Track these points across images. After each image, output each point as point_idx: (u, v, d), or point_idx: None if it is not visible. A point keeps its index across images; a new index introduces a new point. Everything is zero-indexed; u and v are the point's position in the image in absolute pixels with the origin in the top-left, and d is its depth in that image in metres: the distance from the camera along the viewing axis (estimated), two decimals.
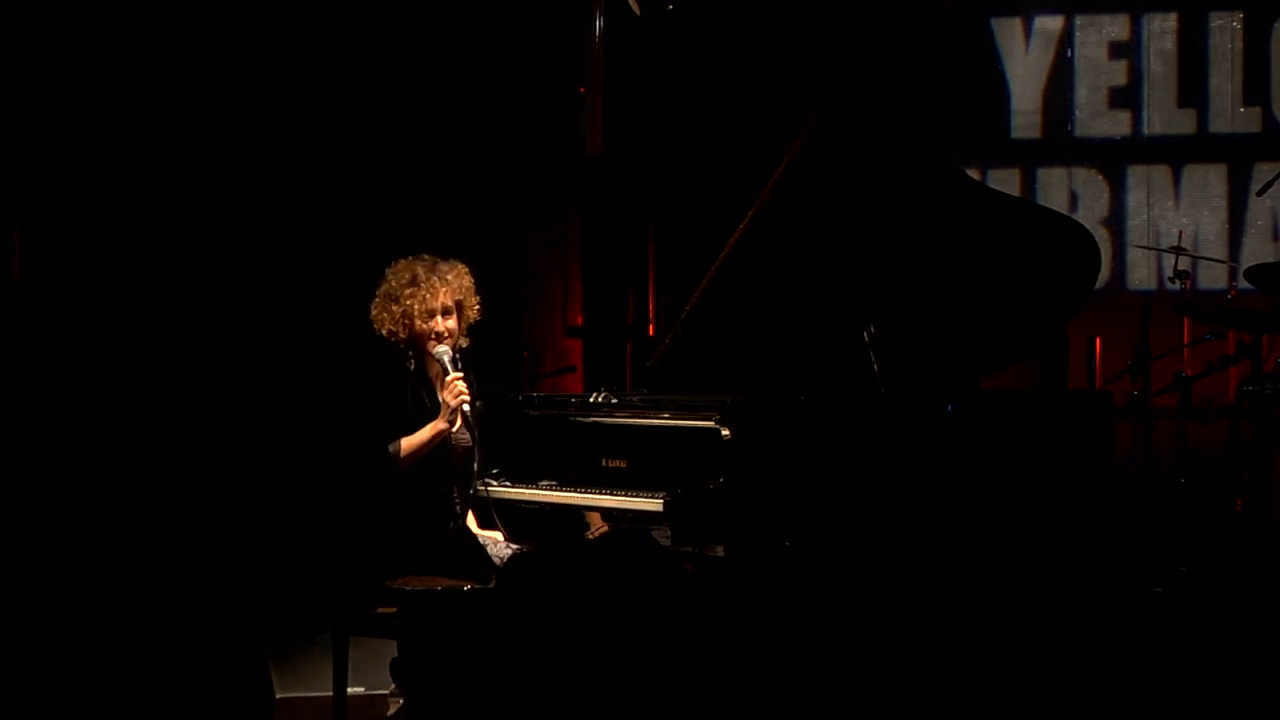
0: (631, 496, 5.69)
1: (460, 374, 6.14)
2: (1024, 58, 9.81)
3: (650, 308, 9.51)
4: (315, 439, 7.38)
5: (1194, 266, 8.92)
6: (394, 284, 6.23)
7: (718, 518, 5.49)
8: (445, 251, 6.37)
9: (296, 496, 7.63)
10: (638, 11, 9.03)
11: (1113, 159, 9.79)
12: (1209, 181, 9.70)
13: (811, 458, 5.54)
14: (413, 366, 6.27)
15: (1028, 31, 9.81)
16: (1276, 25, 9.59)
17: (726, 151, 8.94)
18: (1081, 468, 6.10)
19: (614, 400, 6.03)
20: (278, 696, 6.48)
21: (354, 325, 6.38)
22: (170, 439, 8.10)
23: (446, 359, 6.18)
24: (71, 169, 8.03)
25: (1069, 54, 9.80)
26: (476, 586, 5.70)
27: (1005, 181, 9.70)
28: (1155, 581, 7.52)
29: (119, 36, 8.07)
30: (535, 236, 9.38)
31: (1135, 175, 9.76)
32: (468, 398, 6.10)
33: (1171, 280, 8.75)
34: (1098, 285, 6.31)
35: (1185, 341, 8.99)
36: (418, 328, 6.19)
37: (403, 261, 6.30)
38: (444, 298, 6.21)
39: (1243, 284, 8.52)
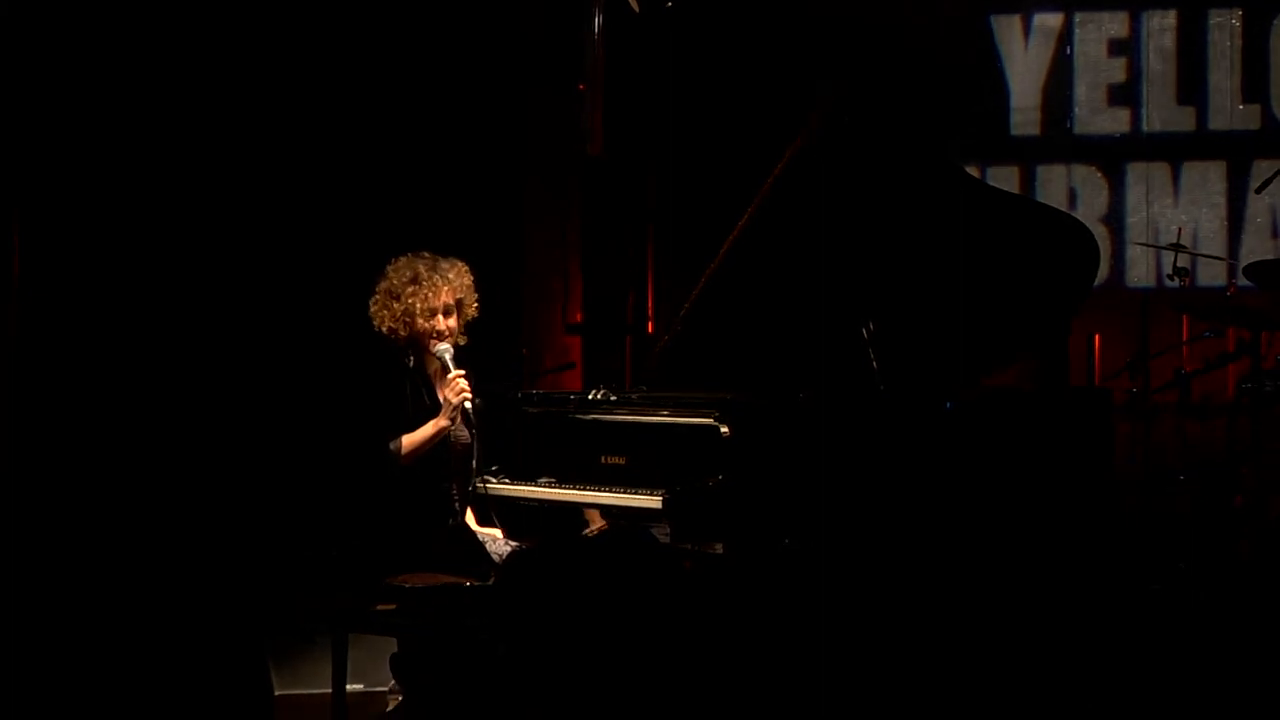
0: (630, 494, 5.69)
1: (461, 372, 6.15)
2: (1023, 55, 9.82)
3: (649, 305, 9.51)
4: (315, 436, 7.38)
5: (1193, 264, 8.93)
6: (395, 281, 6.24)
7: (717, 515, 5.49)
8: (445, 249, 6.37)
9: (296, 493, 7.62)
10: (637, 9, 9.03)
11: (1112, 156, 9.80)
12: (1208, 179, 9.71)
13: (811, 455, 5.54)
14: (411, 364, 6.27)
15: (1027, 29, 9.81)
16: (1275, 22, 9.60)
17: (726, 149, 8.95)
18: (1081, 465, 6.09)
19: (613, 397, 6.03)
20: (277, 694, 6.49)
21: (353, 323, 6.38)
22: (170, 437, 8.10)
23: (447, 356, 6.18)
24: (71, 169, 8.03)
25: (1068, 51, 9.81)
26: (476, 583, 5.71)
27: (1004, 179, 9.70)
28: (1154, 580, 7.53)
29: (119, 36, 8.06)
30: (535, 234, 9.38)
31: (1134, 172, 9.76)
32: (469, 395, 6.11)
33: (1170, 277, 8.75)
34: (1097, 282, 6.31)
35: (1184, 339, 9.00)
36: (419, 326, 6.20)
37: (404, 259, 6.30)
38: (445, 296, 6.22)
39: (1242, 281, 8.52)
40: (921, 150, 6.18)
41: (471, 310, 6.33)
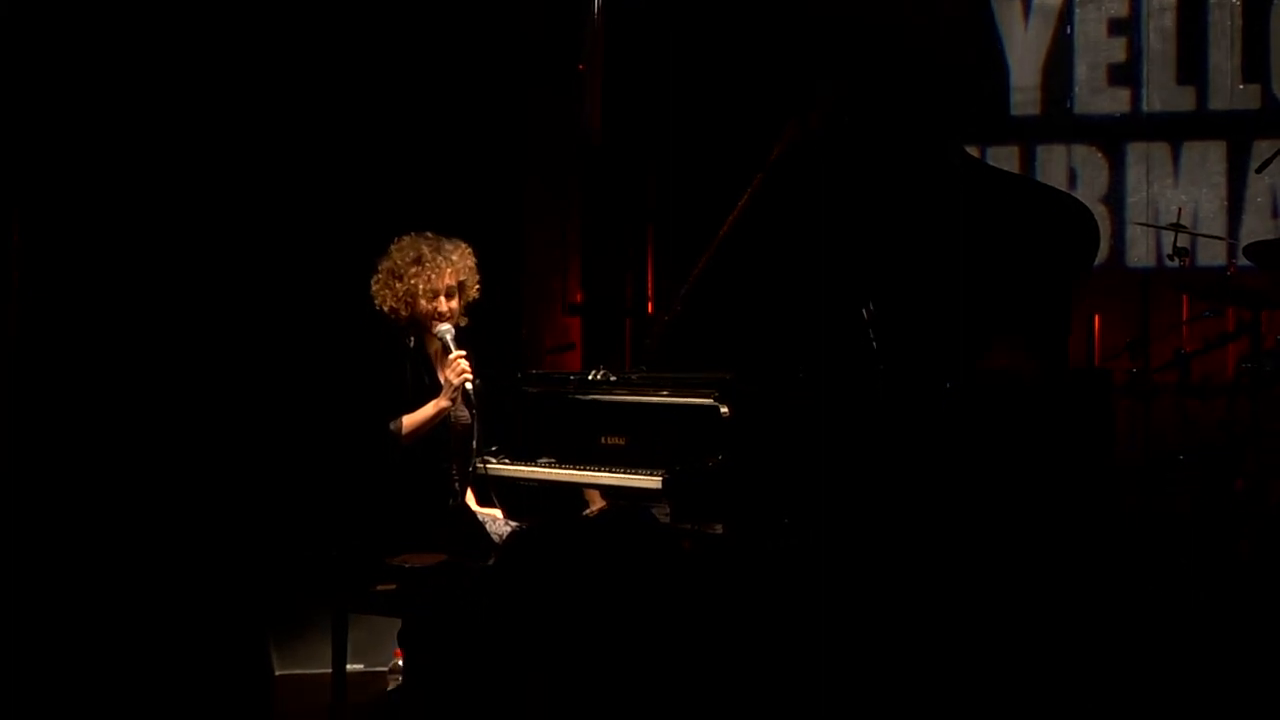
0: (630, 474, 5.70)
1: (463, 353, 6.15)
2: (1023, 35, 9.80)
3: (649, 286, 9.51)
4: (315, 417, 7.38)
5: (1193, 244, 8.92)
6: (398, 261, 6.23)
7: (717, 495, 5.50)
8: (445, 229, 6.37)
9: (296, 475, 7.63)
10: None
11: (1112, 136, 9.78)
12: (1208, 158, 9.69)
13: (810, 435, 5.54)
14: (412, 344, 6.27)
15: (1027, 8, 9.79)
16: (1276, 2, 9.57)
17: (727, 130, 8.93)
18: (1081, 445, 6.10)
19: (613, 378, 6.03)
20: (277, 673, 6.50)
21: (354, 303, 6.38)
22: (173, 419, 8.10)
23: (449, 337, 6.18)
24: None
25: (1068, 31, 9.79)
26: (475, 563, 5.71)
27: (1004, 159, 9.69)
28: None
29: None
30: (534, 215, 9.37)
31: (1134, 152, 9.75)
32: (470, 376, 6.11)
33: (1170, 258, 8.74)
34: (1097, 262, 6.31)
35: (1184, 319, 8.99)
36: (421, 307, 6.19)
37: (407, 239, 6.30)
38: (448, 278, 6.22)
39: (1242, 261, 8.51)
40: (922, 130, 6.18)
41: (473, 292, 6.33)
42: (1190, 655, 6.10)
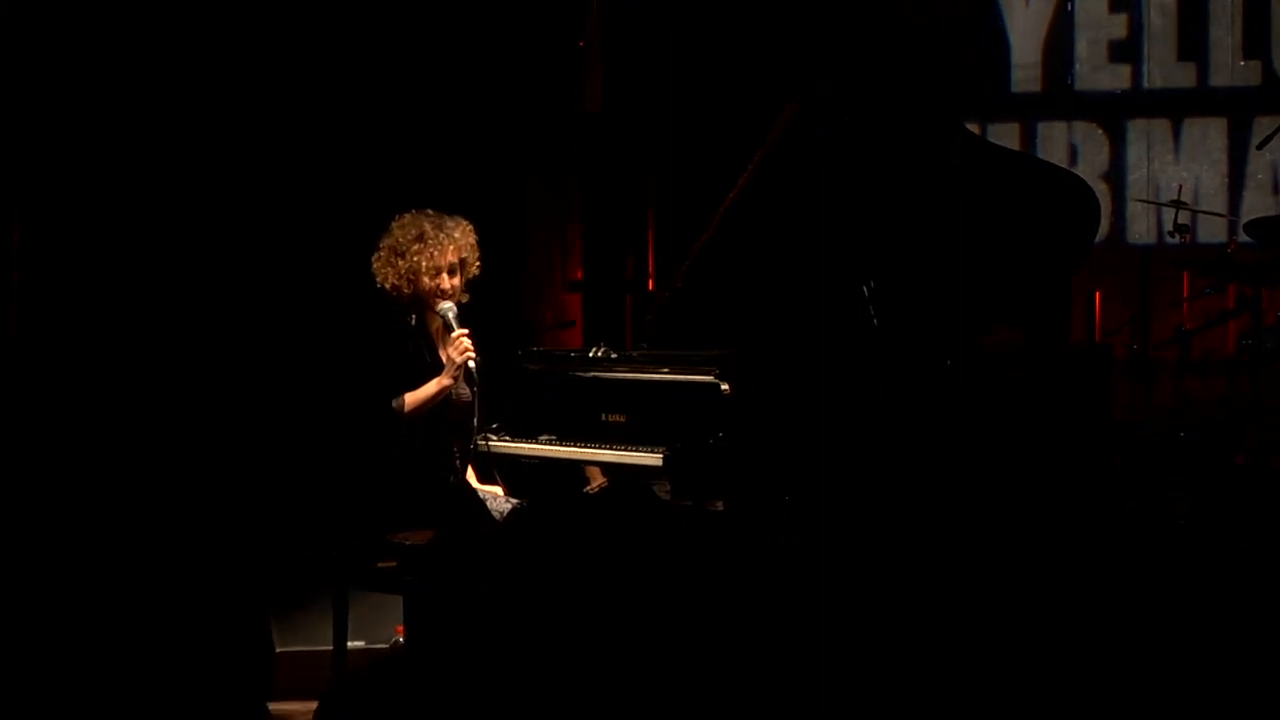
0: (631, 451, 5.70)
1: (465, 331, 6.15)
2: (1024, 11, 9.79)
3: (650, 262, 9.51)
4: (317, 396, 7.38)
5: (1194, 220, 8.92)
6: (400, 238, 6.22)
7: (717, 472, 5.50)
8: (445, 206, 6.36)
9: (299, 453, 7.63)
10: None
11: (1112, 113, 9.79)
12: (1209, 135, 9.69)
13: (811, 412, 5.55)
14: (414, 322, 6.27)
15: None
16: None
17: (728, 107, 8.92)
18: (1081, 421, 6.11)
19: (613, 355, 6.03)
20: (278, 650, 6.51)
21: (355, 282, 6.38)
22: (174, 400, 8.09)
23: (451, 315, 6.18)
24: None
25: (1069, 7, 9.78)
26: (476, 541, 5.71)
27: (1005, 135, 9.69)
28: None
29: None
30: (534, 191, 9.36)
31: (1135, 129, 9.75)
32: (472, 354, 6.11)
33: (1171, 234, 8.75)
34: (1098, 239, 6.31)
35: (1185, 295, 8.99)
36: (423, 284, 6.19)
37: (408, 216, 6.29)
38: (450, 255, 6.21)
39: (1243, 238, 8.51)
40: (924, 107, 6.17)
41: (475, 269, 6.32)
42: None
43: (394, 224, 6.27)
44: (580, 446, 5.91)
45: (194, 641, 6.89)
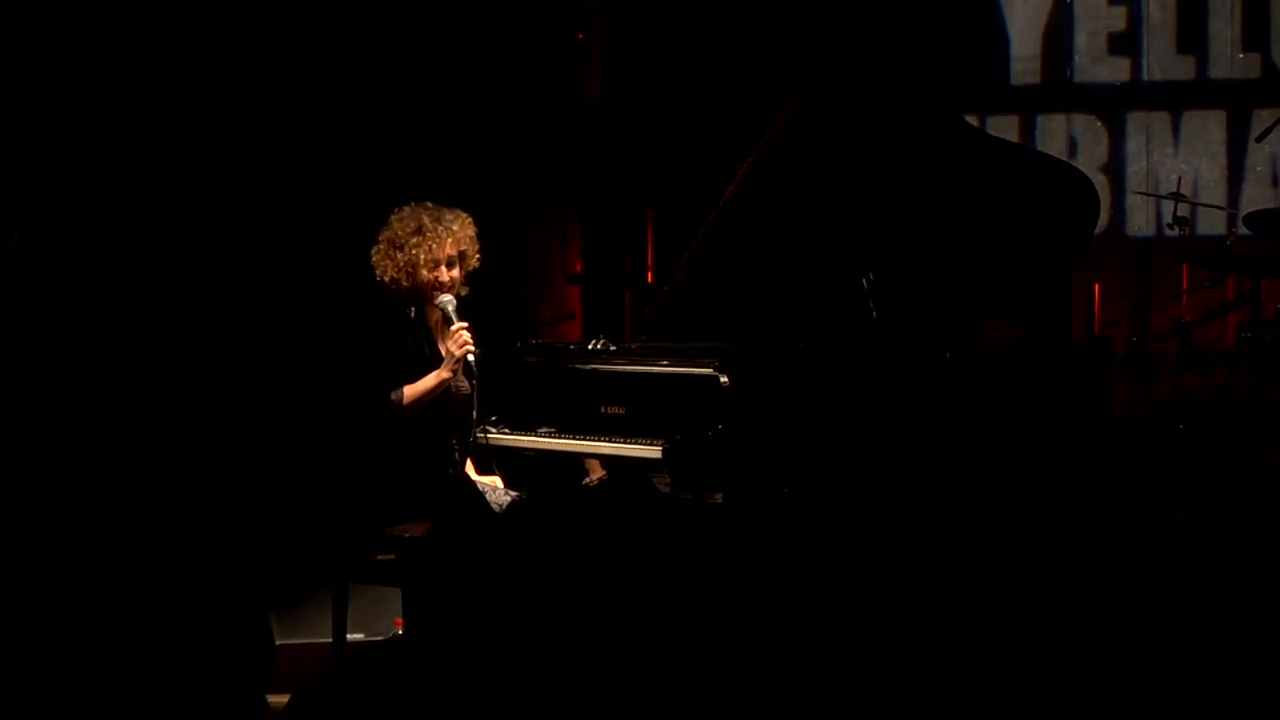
0: (631, 443, 5.70)
1: (465, 324, 6.15)
2: (1023, 4, 9.79)
3: (649, 255, 9.50)
4: (317, 389, 7.39)
5: (1193, 213, 8.92)
6: (399, 231, 6.22)
7: (717, 464, 5.51)
8: (444, 198, 6.36)
9: (298, 446, 7.63)
10: None
11: (1112, 105, 9.77)
12: (1208, 127, 9.68)
13: (810, 404, 5.55)
14: (413, 315, 6.27)
15: None
16: None
17: (728, 99, 8.91)
18: (1081, 417, 6.11)
19: (613, 347, 6.03)
20: (278, 643, 6.52)
21: (354, 275, 6.38)
22: (175, 394, 8.09)
23: (450, 308, 6.18)
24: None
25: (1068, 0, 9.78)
26: (475, 533, 5.71)
27: (1004, 128, 9.68)
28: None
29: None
30: (534, 183, 9.36)
31: (1134, 121, 9.74)
32: (472, 348, 6.11)
33: (1170, 227, 8.74)
34: (1097, 231, 6.31)
35: (1184, 288, 8.99)
36: (422, 277, 6.19)
37: (408, 209, 6.29)
38: (449, 248, 6.21)
39: (1242, 230, 8.51)
40: (923, 106, 6.17)
41: (474, 261, 6.32)
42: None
43: (393, 217, 6.27)
44: (579, 439, 5.92)
45: (194, 634, 6.91)
